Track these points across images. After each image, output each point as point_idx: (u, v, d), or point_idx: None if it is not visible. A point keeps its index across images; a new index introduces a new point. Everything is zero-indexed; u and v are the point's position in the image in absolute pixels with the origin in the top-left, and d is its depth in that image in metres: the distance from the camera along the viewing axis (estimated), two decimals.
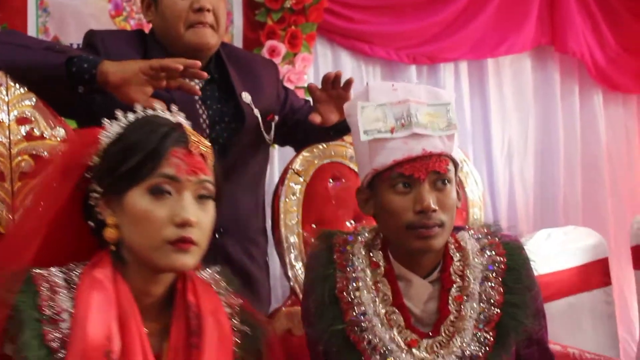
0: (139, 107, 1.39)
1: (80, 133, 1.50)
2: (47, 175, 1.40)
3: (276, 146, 2.71)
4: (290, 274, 2.16)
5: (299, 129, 2.25)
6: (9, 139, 1.67)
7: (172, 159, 1.30)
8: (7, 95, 1.69)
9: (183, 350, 1.32)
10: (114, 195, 1.30)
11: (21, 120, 1.69)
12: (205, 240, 1.33)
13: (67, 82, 1.72)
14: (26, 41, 1.93)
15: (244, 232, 2.15)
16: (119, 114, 1.37)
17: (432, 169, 1.51)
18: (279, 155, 2.86)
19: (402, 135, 1.51)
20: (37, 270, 1.28)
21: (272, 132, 2.15)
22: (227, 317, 1.41)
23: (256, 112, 2.07)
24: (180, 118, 1.40)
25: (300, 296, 2.08)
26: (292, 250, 2.15)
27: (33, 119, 1.70)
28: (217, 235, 2.00)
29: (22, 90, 1.71)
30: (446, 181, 1.53)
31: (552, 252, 2.94)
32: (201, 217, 1.31)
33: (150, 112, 1.39)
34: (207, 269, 1.48)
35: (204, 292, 1.40)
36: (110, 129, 1.36)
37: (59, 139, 1.71)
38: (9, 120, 1.68)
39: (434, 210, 1.49)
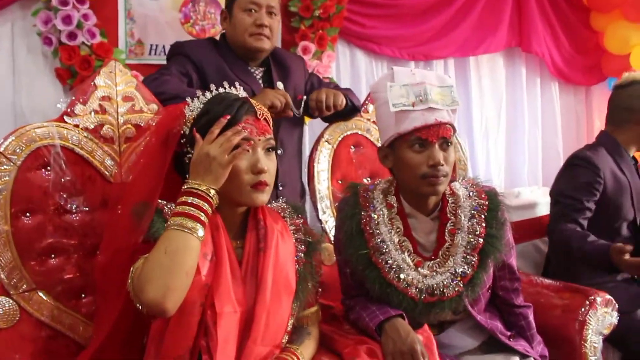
0: (213, 87, 1.47)
1: (167, 109, 1.56)
2: (151, 145, 1.47)
3: (307, 123, 2.78)
4: (321, 217, 2.21)
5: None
6: (117, 112, 1.74)
7: (246, 125, 1.38)
8: (115, 78, 1.75)
9: (254, 254, 1.43)
10: None
11: (126, 98, 1.76)
12: (272, 181, 1.42)
13: None
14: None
15: (294, 187, 2.25)
16: (198, 93, 1.46)
17: (442, 135, 1.58)
18: (309, 130, 2.90)
19: (421, 108, 1.57)
20: (161, 202, 1.39)
21: (302, 108, 2.22)
22: (289, 232, 1.50)
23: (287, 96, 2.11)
24: (243, 92, 1.48)
25: (329, 235, 2.19)
26: (324, 200, 2.21)
27: (134, 97, 1.77)
28: (280, 188, 2.10)
29: (126, 75, 1.77)
30: (449, 143, 1.60)
31: (521, 205, 2.98)
32: (269, 165, 1.40)
33: (221, 90, 1.47)
34: (275, 202, 1.58)
35: (270, 214, 1.49)
36: (193, 105, 1.44)
37: (152, 113, 1.78)
38: (117, 97, 1.75)
39: (442, 165, 1.57)
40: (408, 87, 1.59)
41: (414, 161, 1.58)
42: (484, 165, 3.70)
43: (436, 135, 1.57)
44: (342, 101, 2.19)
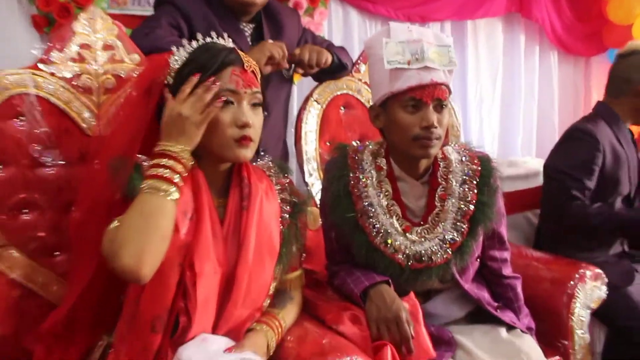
0: (199, 36, 1.43)
1: (152, 58, 1.53)
2: (133, 96, 1.44)
3: (296, 82, 2.75)
4: (307, 180, 2.21)
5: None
6: (97, 61, 1.70)
7: (232, 77, 1.35)
8: (96, 25, 1.71)
9: (237, 212, 1.41)
10: None
11: (106, 47, 1.72)
12: (257, 137, 1.40)
13: None
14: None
15: (276, 151, 2.22)
16: (184, 42, 1.42)
17: (437, 96, 1.56)
18: (297, 90, 2.85)
19: (416, 67, 1.55)
20: (140, 157, 1.36)
21: (292, 70, 2.19)
22: (274, 191, 1.49)
23: None
24: (231, 43, 1.44)
25: (315, 199, 2.16)
26: (310, 162, 2.21)
27: (115, 46, 1.73)
28: (262, 153, 2.07)
29: (107, 22, 1.73)
30: (444, 105, 1.59)
31: (514, 175, 2.99)
32: (254, 120, 1.38)
33: (208, 39, 1.43)
34: (260, 160, 1.56)
35: (255, 172, 1.48)
36: (178, 54, 1.40)
37: (134, 63, 1.75)
38: (97, 46, 1.71)
39: (435, 127, 1.55)
40: (404, 44, 1.57)
41: (406, 122, 1.57)
42: (477, 133, 3.68)
43: (431, 96, 1.56)
44: (326, 59, 2.16)
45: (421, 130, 1.56)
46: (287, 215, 1.50)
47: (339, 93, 2.29)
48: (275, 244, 1.46)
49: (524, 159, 3.42)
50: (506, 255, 1.78)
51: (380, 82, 1.62)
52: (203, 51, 1.39)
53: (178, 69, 1.39)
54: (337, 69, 2.26)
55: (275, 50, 2.00)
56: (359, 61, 2.34)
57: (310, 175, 2.20)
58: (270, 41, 2.11)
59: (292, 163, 2.31)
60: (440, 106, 1.58)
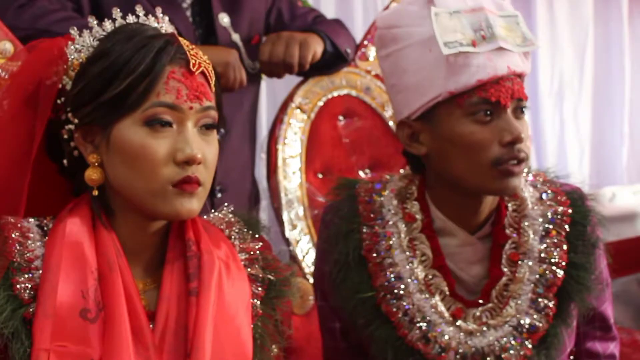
0: (117, 13, 1.42)
1: (36, 47, 1.51)
2: (4, 109, 1.42)
3: (264, 78, 2.78)
4: (289, 235, 2.20)
5: None
6: None
7: (171, 82, 1.35)
8: None
9: (179, 301, 1.38)
10: (97, 127, 1.34)
11: None
12: (210, 180, 1.39)
13: None
14: None
15: (240, 191, 2.23)
16: (91, 21, 1.42)
17: (517, 95, 1.56)
18: (267, 90, 2.89)
19: (487, 49, 1.56)
20: (6, 218, 1.34)
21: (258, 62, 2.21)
22: (240, 265, 1.47)
23: (235, 37, 2.13)
24: (169, 26, 1.44)
25: (303, 264, 2.19)
26: (293, 206, 2.21)
27: None
28: (218, 195, 2.08)
29: None
30: (525, 108, 1.60)
31: (618, 215, 3.00)
32: (206, 152, 1.36)
33: (131, 19, 1.42)
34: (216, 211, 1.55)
35: (207, 232, 1.46)
36: (81, 41, 1.40)
37: (4, 57, 1.75)
38: None
39: (522, 141, 1.54)
40: (461, 16, 1.58)
41: (478, 138, 1.56)
42: (556, 148, 3.73)
43: (509, 95, 1.56)
44: (314, 53, 2.19)
45: (503, 149, 1.55)
46: (259, 303, 1.49)
47: (335, 94, 2.31)
48: (247, 350, 1.43)
49: (632, 187, 3.43)
50: (612, 348, 1.79)
51: (425, 79, 1.60)
52: (124, 38, 1.38)
53: (82, 65, 1.38)
54: (332, 60, 2.28)
55: (233, 70, 2.04)
56: (365, 42, 2.36)
57: (293, 227, 2.21)
58: (243, 51, 2.15)
59: (265, 209, 2.33)
60: (520, 109, 1.59)
